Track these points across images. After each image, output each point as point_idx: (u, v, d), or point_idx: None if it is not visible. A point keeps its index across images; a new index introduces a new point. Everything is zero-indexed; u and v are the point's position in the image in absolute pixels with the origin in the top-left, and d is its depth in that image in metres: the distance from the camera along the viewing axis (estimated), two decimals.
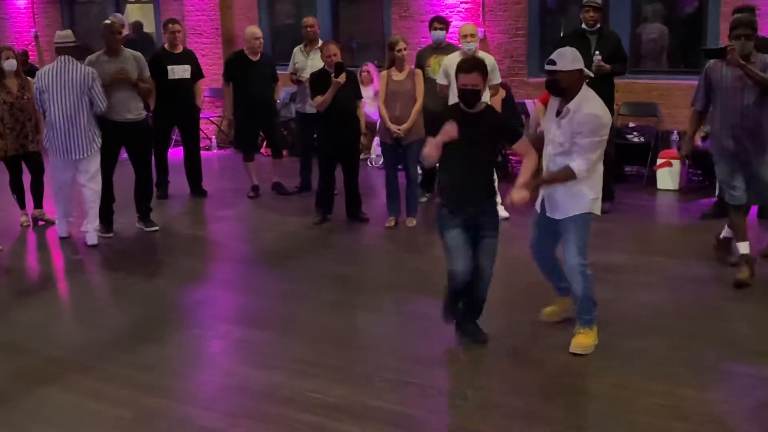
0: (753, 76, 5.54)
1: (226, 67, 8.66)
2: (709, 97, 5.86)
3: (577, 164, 4.48)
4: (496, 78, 7.25)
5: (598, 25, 7.57)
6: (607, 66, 7.35)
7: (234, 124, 8.76)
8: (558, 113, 4.57)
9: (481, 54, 7.21)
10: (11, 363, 4.76)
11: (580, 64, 4.52)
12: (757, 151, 5.69)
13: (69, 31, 7.21)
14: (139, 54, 7.35)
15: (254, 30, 8.59)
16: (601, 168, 4.68)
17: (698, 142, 8.08)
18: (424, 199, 8.11)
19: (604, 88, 7.50)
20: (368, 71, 10.25)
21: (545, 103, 7.88)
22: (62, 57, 6.83)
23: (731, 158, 5.76)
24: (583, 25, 7.56)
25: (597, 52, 7.36)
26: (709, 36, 8.62)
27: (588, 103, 4.49)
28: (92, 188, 6.98)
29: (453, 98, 7.44)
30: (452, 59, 7.47)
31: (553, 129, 4.58)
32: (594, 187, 4.62)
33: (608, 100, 7.70)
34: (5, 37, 13.48)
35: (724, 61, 5.67)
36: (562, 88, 4.50)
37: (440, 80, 7.50)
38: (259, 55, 8.48)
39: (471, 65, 4.57)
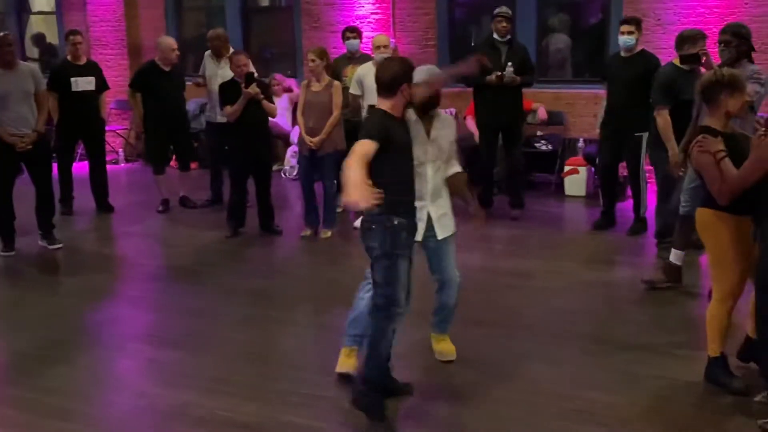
0: None
1: (135, 77, 8.43)
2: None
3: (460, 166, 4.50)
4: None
5: (509, 36, 7.72)
6: (518, 78, 7.51)
7: (144, 135, 8.55)
8: (428, 133, 4.26)
9: None
10: None
11: None
12: None
13: None
14: (35, 67, 7.24)
15: (170, 41, 8.41)
16: None
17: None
18: (340, 209, 8.07)
19: (514, 99, 7.72)
20: (277, 82, 10.17)
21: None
22: None
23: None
24: (495, 35, 7.69)
25: (509, 63, 7.50)
26: (611, 46, 8.86)
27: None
28: None
29: (365, 108, 7.47)
30: (365, 69, 7.49)
31: (430, 150, 4.27)
32: None
33: (518, 110, 7.88)
34: None
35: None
36: (437, 102, 4.31)
37: (353, 90, 7.50)
38: (171, 66, 8.33)
39: None
